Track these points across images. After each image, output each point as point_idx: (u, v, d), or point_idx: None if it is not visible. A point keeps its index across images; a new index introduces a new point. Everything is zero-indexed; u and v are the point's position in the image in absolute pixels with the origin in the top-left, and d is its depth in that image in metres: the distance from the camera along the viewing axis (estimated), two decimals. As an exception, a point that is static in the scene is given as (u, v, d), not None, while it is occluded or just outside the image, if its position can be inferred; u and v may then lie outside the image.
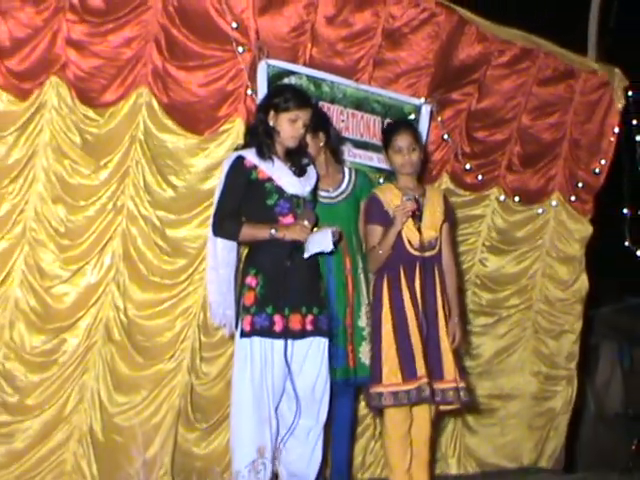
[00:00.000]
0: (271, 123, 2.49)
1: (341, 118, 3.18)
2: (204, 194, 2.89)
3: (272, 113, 2.49)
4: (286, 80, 2.95)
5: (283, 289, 2.41)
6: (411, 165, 2.76)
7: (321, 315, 2.52)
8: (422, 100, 3.39)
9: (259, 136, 2.49)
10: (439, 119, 3.46)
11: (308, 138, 2.68)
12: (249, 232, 2.44)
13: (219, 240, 2.50)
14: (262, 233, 2.43)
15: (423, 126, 3.40)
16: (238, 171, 2.47)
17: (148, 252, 2.84)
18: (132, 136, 2.78)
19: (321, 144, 2.81)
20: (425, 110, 3.40)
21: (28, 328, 2.67)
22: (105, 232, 2.76)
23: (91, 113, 2.71)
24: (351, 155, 3.24)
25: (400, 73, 3.35)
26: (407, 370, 2.62)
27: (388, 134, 2.85)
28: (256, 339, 2.43)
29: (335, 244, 2.47)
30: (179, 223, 2.90)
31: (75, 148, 2.69)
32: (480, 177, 3.68)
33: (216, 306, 2.52)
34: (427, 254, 2.72)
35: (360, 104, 3.25)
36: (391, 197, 2.70)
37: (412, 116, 3.37)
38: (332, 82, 3.16)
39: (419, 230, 2.67)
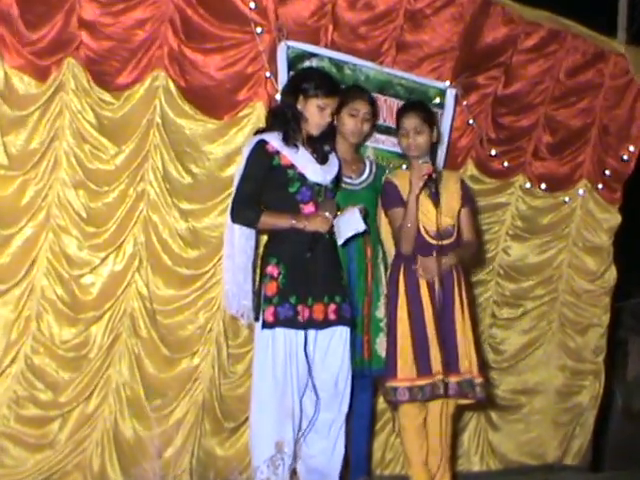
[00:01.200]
0: (299, 107, 2.50)
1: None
2: (224, 182, 2.90)
3: (301, 98, 2.50)
4: (307, 63, 2.96)
5: (305, 278, 2.42)
6: (416, 148, 2.74)
7: (344, 303, 2.53)
8: (447, 84, 3.39)
9: (286, 121, 2.49)
10: (464, 103, 3.46)
11: (358, 124, 2.77)
12: (269, 220, 2.45)
13: (237, 227, 2.51)
14: (282, 222, 2.44)
15: (448, 111, 3.41)
16: (260, 156, 2.47)
17: (169, 239, 2.86)
18: (149, 120, 2.79)
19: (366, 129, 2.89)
20: (450, 94, 3.41)
21: (57, 319, 2.69)
22: (128, 219, 2.78)
23: (107, 96, 2.72)
24: (374, 141, 3.24)
25: (423, 57, 3.35)
26: (422, 364, 2.64)
27: (397, 116, 2.86)
28: (280, 330, 2.44)
29: (365, 223, 2.47)
30: (199, 212, 2.91)
31: (93, 132, 2.71)
32: (505, 164, 3.67)
33: (232, 295, 2.53)
34: (444, 242, 2.71)
35: (383, 87, 3.24)
36: (406, 183, 2.70)
37: (437, 100, 3.37)
38: (354, 65, 3.16)
39: (436, 206, 2.65)
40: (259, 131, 2.60)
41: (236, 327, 2.97)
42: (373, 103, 2.95)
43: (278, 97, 2.79)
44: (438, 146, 2.99)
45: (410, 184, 2.63)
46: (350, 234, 2.45)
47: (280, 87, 2.82)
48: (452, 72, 3.38)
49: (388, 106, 3.25)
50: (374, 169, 2.94)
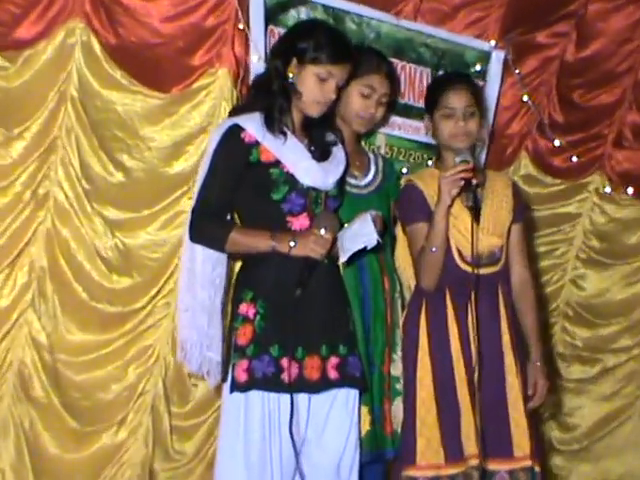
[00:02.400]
0: (290, 77, 2.45)
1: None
2: (171, 181, 2.85)
3: (294, 62, 2.44)
4: (293, 12, 2.91)
5: (293, 320, 2.38)
6: (467, 136, 2.73)
7: (351, 356, 2.51)
8: (492, 44, 3.33)
9: (271, 95, 2.44)
10: (517, 72, 3.40)
11: (371, 108, 2.76)
12: (241, 239, 2.40)
13: (199, 248, 2.46)
14: (259, 243, 2.39)
15: (493, 83, 3.36)
16: (232, 148, 2.42)
17: (87, 264, 2.80)
18: (60, 93, 2.71)
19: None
20: (496, 59, 3.34)
21: None
22: (20, 234, 2.72)
23: (-4, 58, 2.64)
24: (387, 126, 3.18)
25: (459, 4, 3.30)
26: (451, 446, 2.62)
27: (434, 91, 2.83)
28: (256, 394, 2.39)
29: (380, 236, 2.45)
30: (133, 223, 2.86)
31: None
32: (575, 158, 3.63)
33: (190, 345, 2.49)
34: (487, 270, 2.67)
35: (401, 49, 3.19)
36: (435, 185, 2.64)
37: (477, 67, 3.33)
38: (360, 16, 3.09)
39: (477, 221, 2.62)
40: (236, 111, 2.55)
41: (184, 388, 2.95)
42: (394, 79, 2.92)
43: (256, 62, 2.76)
44: (481, 135, 2.93)
45: (439, 190, 2.57)
46: (356, 248, 2.41)
47: (254, 47, 2.78)
48: (500, 26, 3.34)
49: (408, 75, 3.21)
50: (380, 164, 2.91)
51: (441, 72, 3.21)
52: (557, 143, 3.57)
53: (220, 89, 2.85)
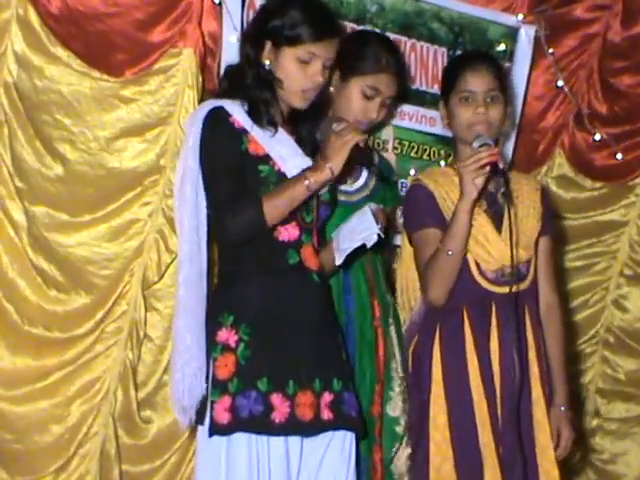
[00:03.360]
0: (267, 64, 2.35)
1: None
2: (122, 179, 2.72)
3: (269, 46, 2.35)
4: None
5: (283, 347, 2.29)
6: (488, 125, 2.60)
7: (345, 392, 2.39)
8: (519, 18, 3.21)
9: (249, 87, 2.36)
10: (550, 52, 3.26)
11: (372, 112, 2.66)
12: (275, 202, 2.27)
13: (185, 259, 2.32)
14: (295, 190, 2.27)
15: (521, 65, 3.24)
16: (224, 129, 2.31)
17: (21, 281, 2.66)
18: None
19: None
20: (525, 36, 3.23)
21: None
22: None
23: None
24: (396, 116, 3.06)
25: None
26: None
27: (449, 72, 2.72)
28: (241, 436, 2.26)
29: (384, 232, 2.39)
30: (77, 228, 2.71)
31: None
32: (620, 156, 3.45)
33: (190, 385, 2.30)
34: (512, 289, 2.54)
35: (410, 24, 3.07)
36: (448, 187, 2.57)
37: (502, 47, 3.19)
38: None
39: (499, 230, 2.53)
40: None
41: (134, 427, 2.83)
42: (403, 76, 2.81)
43: (231, 41, 2.68)
44: (504, 128, 2.82)
45: (461, 182, 2.42)
46: (355, 245, 2.36)
47: (229, 24, 2.70)
48: (528, -2, 3.27)
49: (419, 56, 3.09)
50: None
51: (459, 52, 3.08)
52: (598, 137, 3.42)
53: (183, 73, 2.71)
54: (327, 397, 2.34)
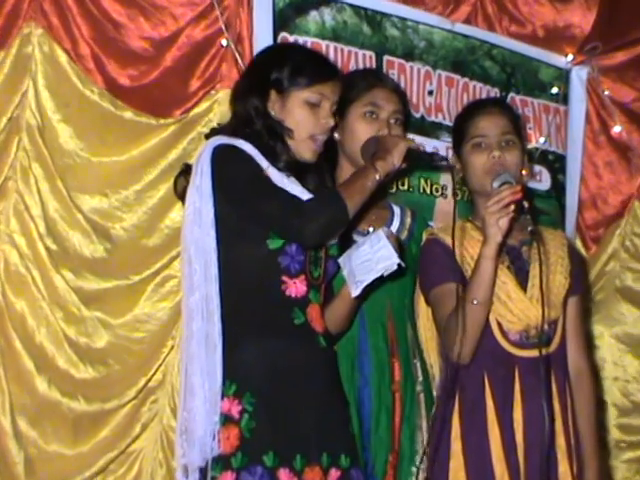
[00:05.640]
0: (273, 113, 2.32)
1: (427, 87, 3.02)
2: (164, 238, 2.69)
3: (273, 95, 2.32)
4: (315, 14, 2.80)
5: (291, 419, 2.22)
6: (504, 170, 2.49)
7: (353, 469, 2.32)
8: (569, 59, 3.20)
9: (260, 133, 2.33)
10: (605, 94, 3.22)
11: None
12: (352, 193, 2.24)
13: (194, 306, 2.22)
14: (366, 181, 2.25)
15: (577, 109, 3.22)
16: (240, 152, 2.24)
17: (51, 349, 2.62)
18: (12, 120, 2.57)
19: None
20: (577, 78, 3.23)
21: None
22: None
23: None
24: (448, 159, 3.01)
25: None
26: None
27: (461, 121, 2.63)
28: None
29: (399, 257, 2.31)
30: (116, 293, 2.70)
31: None
32: None
33: (199, 449, 2.21)
34: (536, 353, 2.38)
35: (462, 62, 3.04)
36: (467, 242, 2.48)
37: (554, 90, 3.19)
38: (404, 20, 2.97)
39: (523, 287, 2.42)
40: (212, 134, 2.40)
41: None
42: (403, 94, 2.78)
43: None
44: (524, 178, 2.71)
45: (484, 224, 2.31)
46: (374, 276, 2.25)
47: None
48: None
49: (471, 96, 3.02)
50: (408, 221, 2.71)
51: (512, 94, 3.07)
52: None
53: (222, 116, 2.71)
54: (334, 474, 2.27)
